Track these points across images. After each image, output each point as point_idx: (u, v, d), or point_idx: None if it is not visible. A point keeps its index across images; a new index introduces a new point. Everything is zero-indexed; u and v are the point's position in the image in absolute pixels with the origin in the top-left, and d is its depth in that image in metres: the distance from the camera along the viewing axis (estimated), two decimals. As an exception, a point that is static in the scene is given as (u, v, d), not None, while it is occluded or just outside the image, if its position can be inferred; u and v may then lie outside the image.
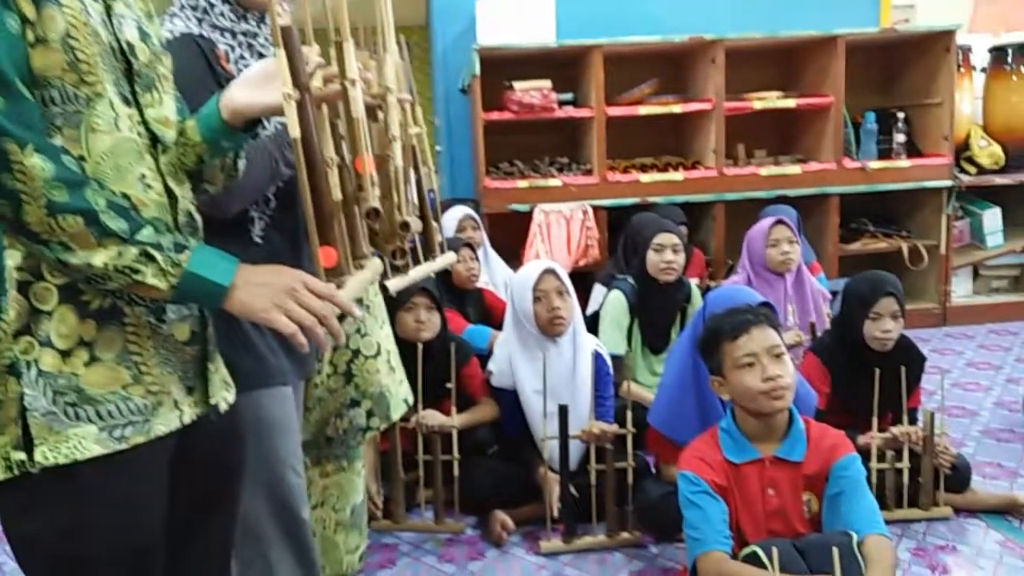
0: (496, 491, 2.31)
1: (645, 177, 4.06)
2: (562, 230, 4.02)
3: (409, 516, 2.35)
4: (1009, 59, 4.26)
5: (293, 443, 1.41)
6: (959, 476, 2.30)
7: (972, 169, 4.26)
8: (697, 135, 4.24)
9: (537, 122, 4.08)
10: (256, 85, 1.08)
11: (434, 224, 1.35)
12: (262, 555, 1.41)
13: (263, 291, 0.98)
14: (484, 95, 3.91)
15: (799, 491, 1.67)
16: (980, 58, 4.43)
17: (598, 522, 2.20)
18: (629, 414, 2.17)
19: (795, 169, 4.11)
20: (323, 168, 1.08)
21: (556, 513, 2.18)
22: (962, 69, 4.30)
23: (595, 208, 3.99)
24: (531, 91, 3.88)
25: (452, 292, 3.06)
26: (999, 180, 4.24)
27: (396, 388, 1.93)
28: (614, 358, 2.62)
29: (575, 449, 2.26)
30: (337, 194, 1.11)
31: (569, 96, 4.09)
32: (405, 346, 2.34)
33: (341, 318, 1.04)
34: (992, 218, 4.30)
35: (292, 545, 1.42)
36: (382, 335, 1.88)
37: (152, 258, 0.93)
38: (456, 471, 2.26)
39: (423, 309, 2.41)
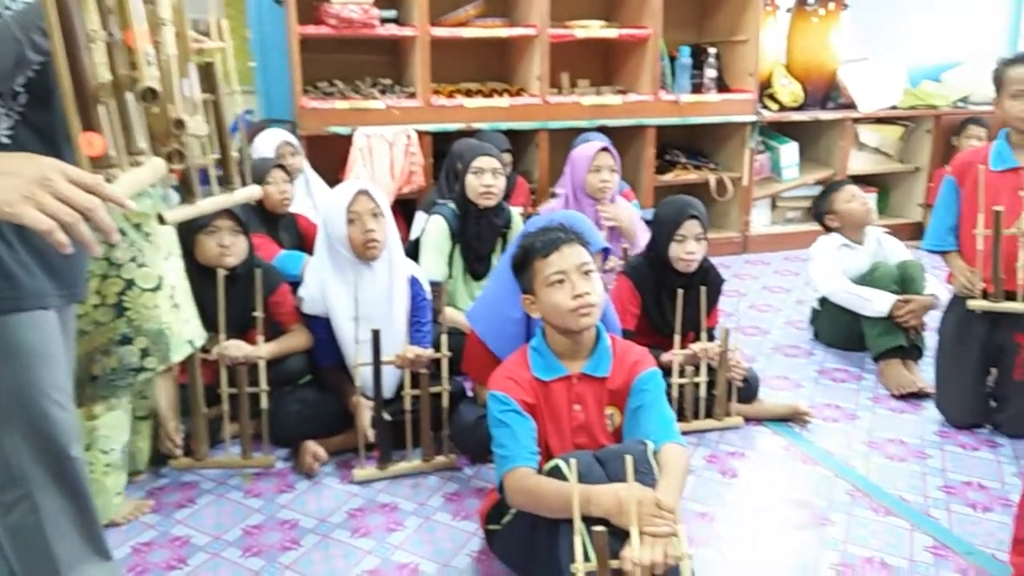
0: (308, 422, 2.23)
1: (470, 103, 3.99)
2: (385, 155, 3.88)
3: (213, 453, 2.22)
4: (811, 1, 4.53)
5: (55, 373, 1.25)
6: (749, 388, 2.49)
7: (774, 105, 4.53)
8: (522, 61, 4.21)
9: (358, 39, 3.88)
10: None
11: (234, 154, 1.21)
12: (26, 498, 1.26)
13: (6, 181, 0.83)
14: (300, 7, 3.65)
15: (603, 406, 1.72)
16: (786, -1, 4.68)
17: (414, 448, 2.18)
18: (444, 338, 2.15)
19: (615, 100, 4.19)
20: (84, 40, 0.93)
21: (371, 440, 2.14)
22: (769, 8, 4.52)
23: (419, 133, 3.89)
24: (350, 5, 3.66)
25: (264, 216, 2.89)
26: (797, 117, 4.55)
27: (180, 327, 1.78)
28: (435, 284, 2.58)
29: (391, 376, 2.22)
30: (104, 74, 0.96)
31: (392, 13, 3.90)
32: (207, 273, 2.18)
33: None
34: (789, 153, 4.62)
35: (61, 485, 1.27)
36: (166, 268, 1.71)
37: None
38: (264, 403, 2.15)
39: (226, 233, 2.24)
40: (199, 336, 1.93)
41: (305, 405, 2.25)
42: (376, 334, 2.08)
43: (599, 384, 1.71)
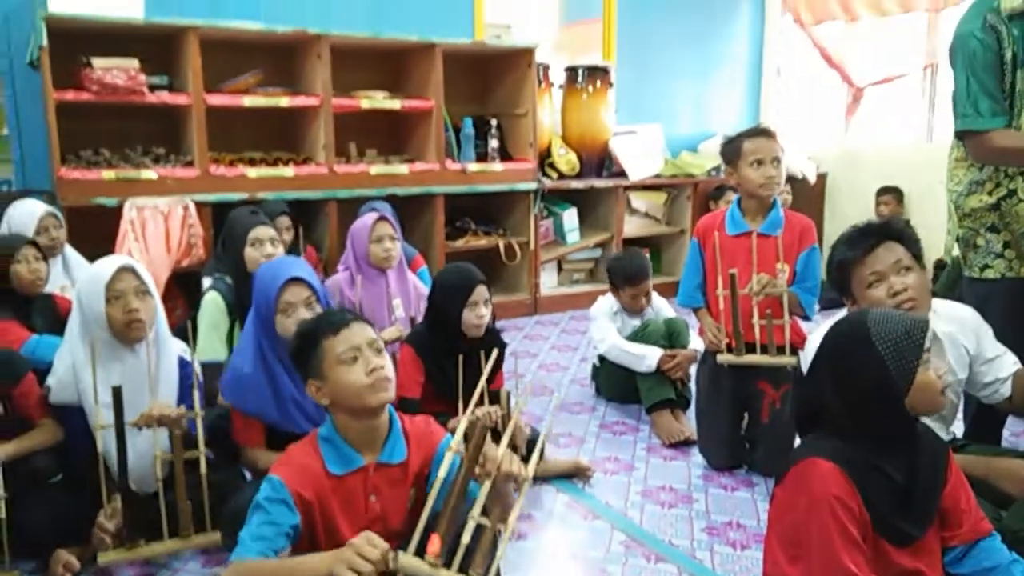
0: (58, 527, 2.00)
1: (252, 171, 3.90)
2: (159, 227, 3.69)
3: (-61, 573, 1.94)
4: (580, 79, 4.92)
5: None
6: (533, 448, 2.56)
7: (554, 174, 4.83)
8: (307, 131, 4.19)
9: (127, 106, 3.68)
10: None
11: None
12: None
13: None
14: (57, 71, 3.44)
15: (406, 490, 1.69)
16: (559, 76, 5.04)
17: (170, 535, 2.01)
18: (200, 421, 2.03)
19: (403, 169, 4.27)
20: None
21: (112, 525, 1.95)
22: (543, 84, 4.85)
23: (198, 204, 3.74)
24: (114, 70, 3.48)
25: (14, 298, 2.62)
26: (575, 184, 4.87)
27: None
28: (208, 365, 2.46)
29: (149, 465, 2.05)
30: None
31: (163, 80, 3.76)
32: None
33: None
34: (570, 218, 4.92)
35: None
36: None
37: None
38: (2, 511, 1.91)
39: (-47, 320, 2.00)
40: None
41: (55, 508, 2.02)
42: (117, 391, 1.92)
43: (399, 470, 1.68)
